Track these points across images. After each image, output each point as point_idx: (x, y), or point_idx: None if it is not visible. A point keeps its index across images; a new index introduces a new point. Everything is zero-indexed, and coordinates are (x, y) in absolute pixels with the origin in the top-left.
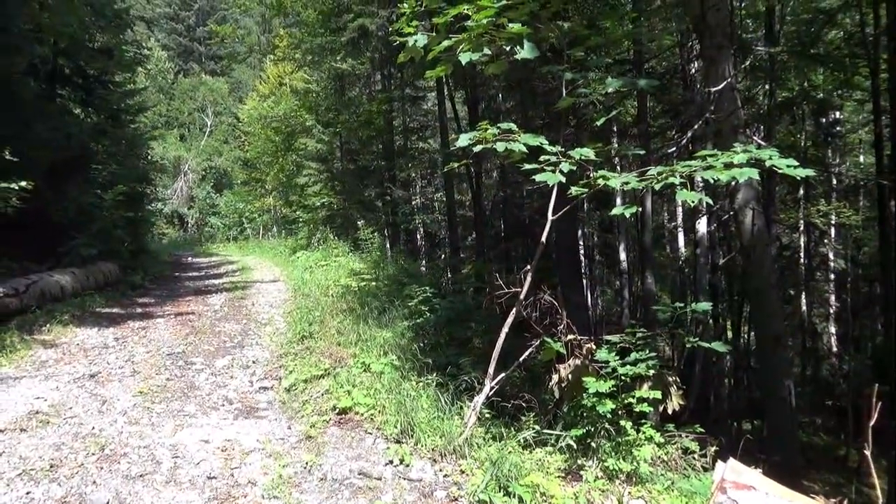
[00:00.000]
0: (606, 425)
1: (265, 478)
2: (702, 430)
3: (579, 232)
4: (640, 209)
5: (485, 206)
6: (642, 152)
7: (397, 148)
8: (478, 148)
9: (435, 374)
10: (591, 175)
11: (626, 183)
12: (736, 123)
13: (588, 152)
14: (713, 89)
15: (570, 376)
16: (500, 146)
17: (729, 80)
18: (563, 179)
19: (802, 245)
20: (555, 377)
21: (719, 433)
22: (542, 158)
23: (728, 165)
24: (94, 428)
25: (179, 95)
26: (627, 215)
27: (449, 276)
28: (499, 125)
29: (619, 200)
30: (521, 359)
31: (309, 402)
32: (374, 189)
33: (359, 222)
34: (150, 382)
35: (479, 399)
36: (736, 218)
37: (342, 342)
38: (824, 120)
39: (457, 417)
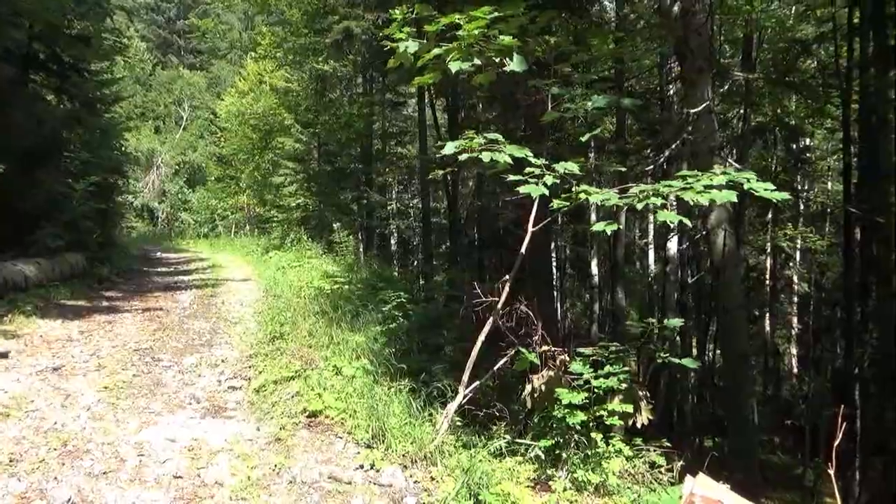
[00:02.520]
0: (576, 437)
1: (233, 479)
2: (668, 444)
3: (552, 244)
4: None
5: (460, 214)
6: (622, 169)
7: (375, 152)
8: (463, 157)
9: (407, 380)
10: (574, 189)
11: (608, 199)
12: (712, 145)
13: (572, 166)
14: (692, 111)
15: (543, 387)
16: (485, 156)
17: (707, 102)
18: (547, 192)
19: (768, 267)
20: (528, 387)
21: (683, 448)
22: (526, 171)
23: (708, 187)
24: (56, 423)
25: (156, 87)
26: (608, 232)
27: (422, 282)
28: (485, 135)
29: (594, 216)
30: (495, 368)
31: (278, 403)
32: (350, 192)
33: (335, 224)
34: (116, 378)
35: (452, 406)
36: (708, 238)
37: (314, 344)
38: (795, 146)
39: (428, 424)
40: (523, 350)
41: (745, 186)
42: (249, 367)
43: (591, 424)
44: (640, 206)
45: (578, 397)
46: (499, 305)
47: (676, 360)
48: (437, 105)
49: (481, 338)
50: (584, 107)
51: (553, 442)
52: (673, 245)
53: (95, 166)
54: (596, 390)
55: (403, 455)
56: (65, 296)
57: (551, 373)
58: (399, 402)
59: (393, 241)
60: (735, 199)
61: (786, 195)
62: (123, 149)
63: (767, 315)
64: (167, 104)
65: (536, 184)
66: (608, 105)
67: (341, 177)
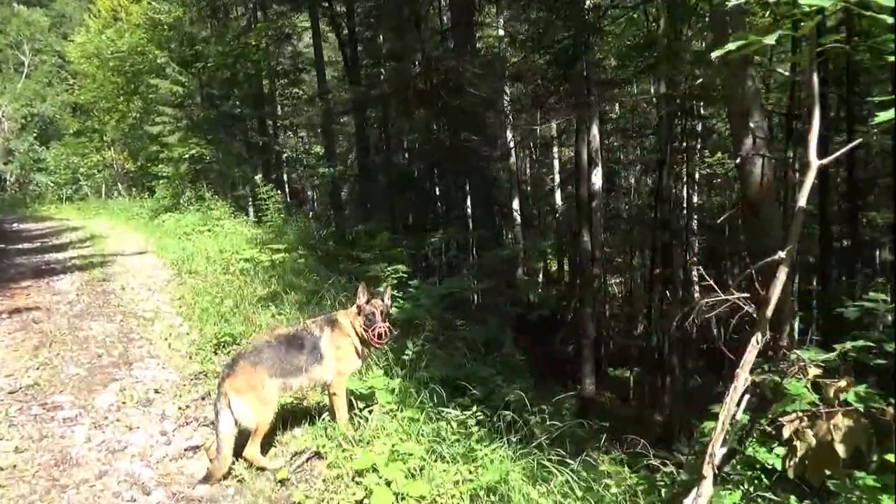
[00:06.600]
0: None
1: None
2: None
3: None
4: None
5: (371, 158)
6: None
7: (266, 93)
8: None
9: (466, 409)
10: None
11: None
12: None
13: None
14: None
15: (844, 447)
16: None
17: None
18: None
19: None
20: (799, 445)
21: None
22: None
23: None
24: None
25: None
26: None
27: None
28: None
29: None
30: (740, 409)
31: (293, 479)
32: (243, 138)
33: (256, 177)
34: None
35: (706, 490)
36: (742, 168)
37: None
38: None
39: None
40: (780, 380)
41: None
42: (203, 397)
43: None
44: None
45: None
46: (769, 309)
47: None
48: (333, 42)
49: (748, 364)
50: None
51: None
52: (597, 179)
53: None
54: None
55: None
56: None
57: (850, 422)
58: (508, 462)
59: (286, 192)
60: None
61: None
62: None
63: None
64: (2, 48)
65: None
66: None
67: (230, 122)
